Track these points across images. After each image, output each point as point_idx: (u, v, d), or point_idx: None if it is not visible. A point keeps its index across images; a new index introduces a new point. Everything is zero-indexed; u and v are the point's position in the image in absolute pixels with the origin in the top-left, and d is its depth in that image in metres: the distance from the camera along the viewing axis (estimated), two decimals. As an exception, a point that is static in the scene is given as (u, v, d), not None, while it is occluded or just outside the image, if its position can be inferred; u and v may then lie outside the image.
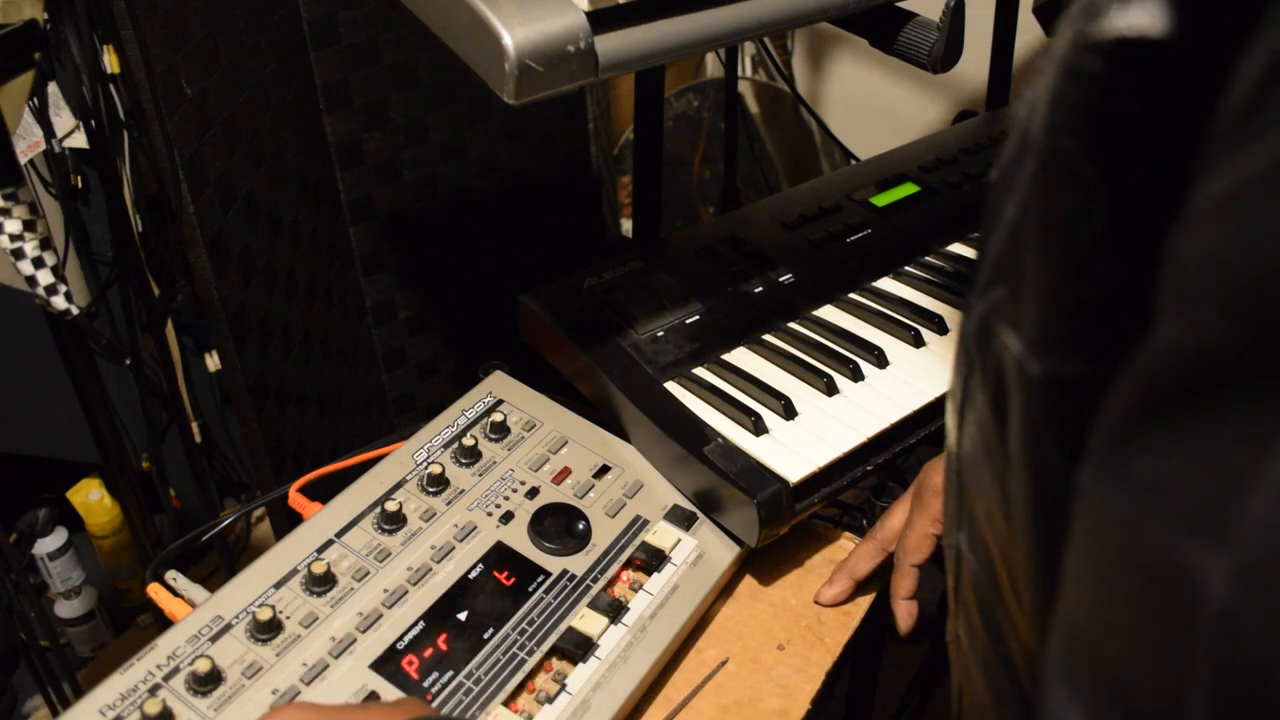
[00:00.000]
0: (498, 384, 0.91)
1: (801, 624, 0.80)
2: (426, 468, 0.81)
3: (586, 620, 0.73)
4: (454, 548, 0.77)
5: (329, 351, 1.41)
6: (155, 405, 1.61)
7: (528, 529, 0.79)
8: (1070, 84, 0.30)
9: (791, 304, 0.97)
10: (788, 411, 0.85)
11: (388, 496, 0.79)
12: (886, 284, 1.02)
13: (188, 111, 1.04)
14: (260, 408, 1.19)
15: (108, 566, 1.86)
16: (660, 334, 0.91)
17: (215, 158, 1.10)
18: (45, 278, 0.99)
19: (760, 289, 0.97)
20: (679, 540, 0.80)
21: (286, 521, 0.83)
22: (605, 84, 2.13)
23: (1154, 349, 0.24)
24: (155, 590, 0.75)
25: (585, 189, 1.76)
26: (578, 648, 0.71)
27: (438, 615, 0.72)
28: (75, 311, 1.02)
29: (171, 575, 0.75)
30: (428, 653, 0.70)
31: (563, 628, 0.73)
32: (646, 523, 0.81)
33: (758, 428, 0.83)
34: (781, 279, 0.99)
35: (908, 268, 1.04)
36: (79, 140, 1.44)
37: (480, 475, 0.82)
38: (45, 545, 1.80)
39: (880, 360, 0.91)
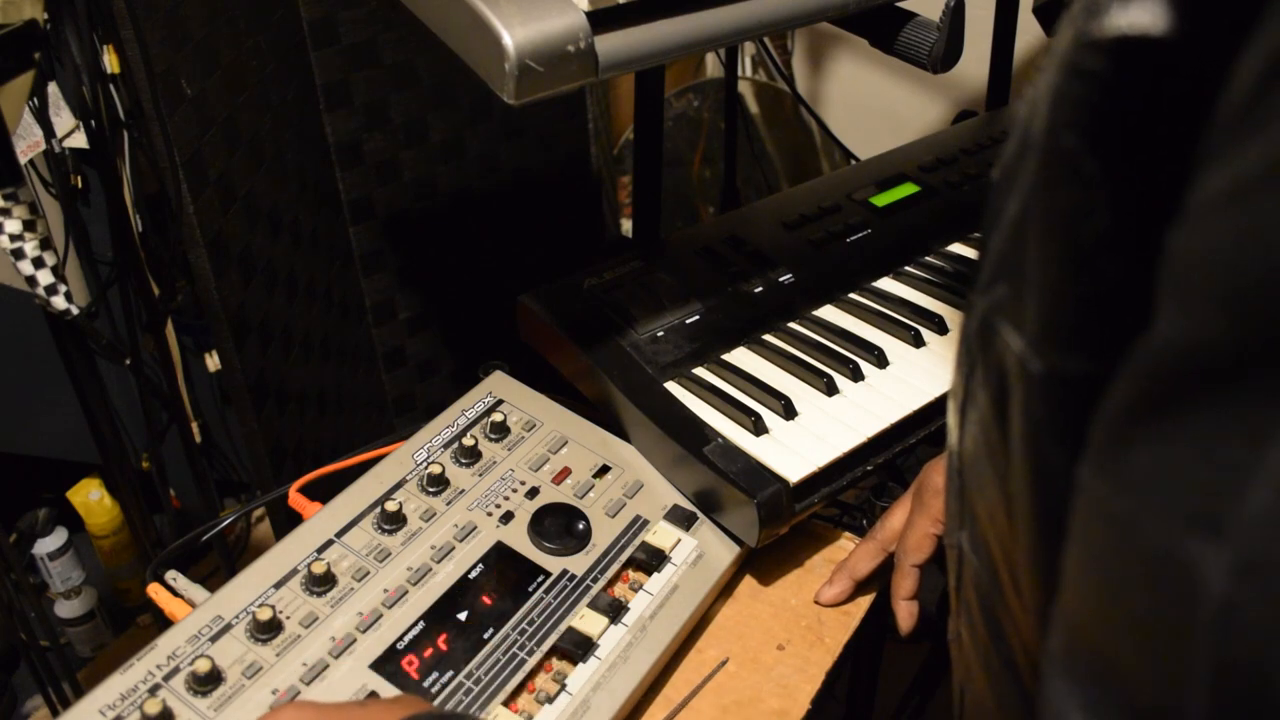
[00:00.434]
0: (498, 384, 0.91)
1: (801, 624, 0.80)
2: (426, 468, 0.81)
3: (586, 620, 0.73)
4: (454, 548, 0.77)
5: (329, 351, 1.41)
6: (155, 405, 1.60)
7: (528, 529, 0.79)
8: (1071, 82, 0.31)
9: (791, 304, 0.97)
10: (788, 411, 0.85)
11: (388, 496, 0.79)
12: (886, 284, 1.02)
13: (188, 111, 1.05)
14: (260, 408, 1.19)
15: (108, 566, 1.85)
16: (660, 334, 0.91)
17: (215, 158, 1.10)
18: (45, 278, 0.99)
19: (760, 289, 0.97)
20: (679, 540, 0.80)
21: (286, 521, 0.83)
22: (605, 84, 2.13)
23: (1153, 345, 0.24)
24: (155, 590, 0.75)
25: (585, 189, 1.76)
26: (578, 648, 0.71)
27: (438, 615, 0.72)
28: (75, 311, 1.02)
29: (171, 575, 0.75)
30: (428, 653, 0.70)
31: (563, 628, 0.73)
32: (646, 523, 0.81)
33: (758, 428, 0.83)
34: (781, 279, 0.99)
35: (908, 268, 1.04)
36: (79, 140, 1.43)
37: (480, 475, 0.83)
38: (45, 545, 1.80)
39: (880, 360, 0.91)
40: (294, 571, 0.73)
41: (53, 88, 1.41)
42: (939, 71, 0.86)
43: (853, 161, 1.42)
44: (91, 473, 1.80)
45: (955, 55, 0.86)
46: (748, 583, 0.84)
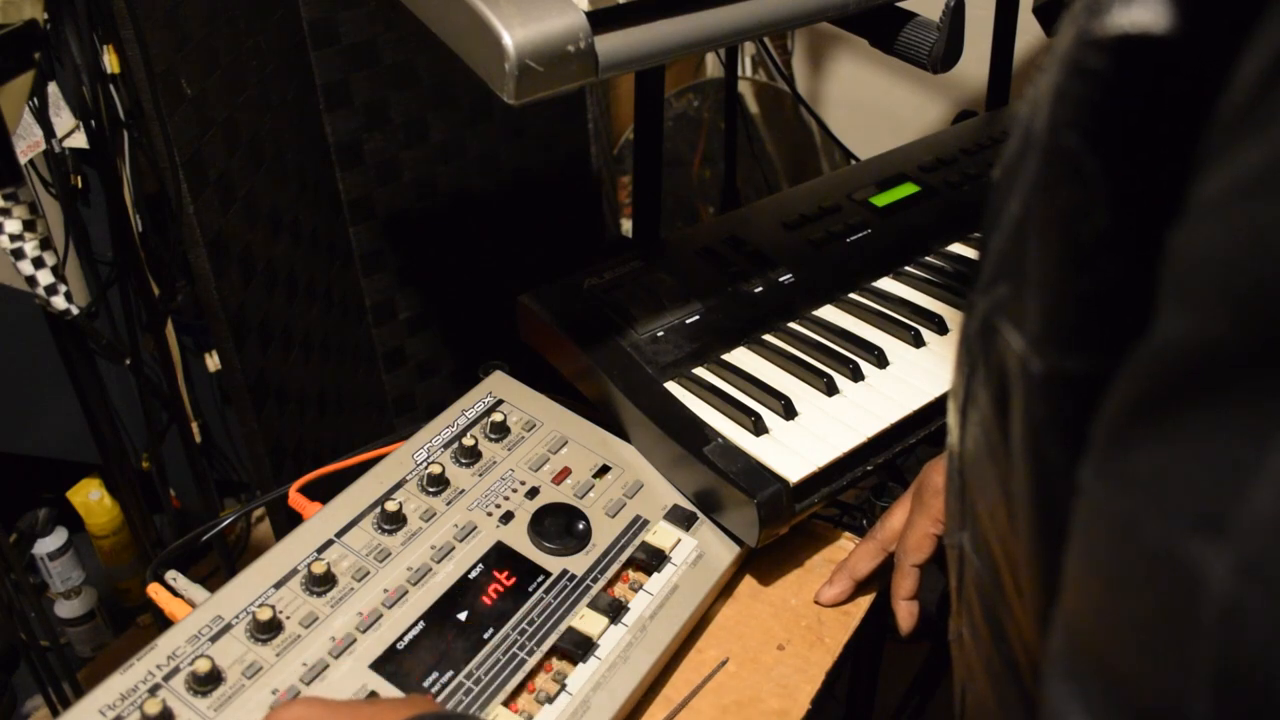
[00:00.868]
0: (498, 384, 0.91)
1: (801, 624, 0.80)
2: (426, 468, 0.81)
3: (586, 620, 0.73)
4: (454, 548, 0.77)
5: (329, 351, 1.41)
6: (155, 405, 1.60)
7: (528, 529, 0.79)
8: (1073, 81, 0.31)
9: (791, 304, 0.97)
10: (788, 411, 0.85)
11: (388, 496, 0.79)
12: (886, 284, 1.02)
13: (188, 111, 1.04)
14: (260, 408, 1.19)
15: (108, 566, 1.85)
16: (660, 334, 0.91)
17: (215, 158, 1.10)
18: (45, 278, 0.99)
19: (760, 289, 0.97)
20: (679, 540, 0.80)
21: (286, 521, 0.83)
22: (605, 84, 2.13)
23: (1154, 344, 0.24)
24: (155, 590, 0.74)
25: (585, 189, 1.76)
26: (578, 648, 0.71)
27: (438, 615, 0.72)
28: (75, 311, 1.02)
29: (171, 575, 0.75)
30: (428, 653, 0.69)
31: (563, 628, 0.73)
32: (646, 523, 0.81)
33: (758, 428, 0.83)
34: (781, 279, 0.99)
35: (908, 268, 1.04)
36: (79, 140, 1.44)
37: (480, 475, 0.82)
38: (45, 545, 1.80)
39: (880, 360, 0.91)
40: (294, 571, 0.73)
41: (53, 88, 1.41)
42: (939, 71, 0.86)
43: (853, 161, 1.42)
44: (91, 473, 1.80)
45: (955, 55, 0.86)
46: (748, 583, 0.84)
